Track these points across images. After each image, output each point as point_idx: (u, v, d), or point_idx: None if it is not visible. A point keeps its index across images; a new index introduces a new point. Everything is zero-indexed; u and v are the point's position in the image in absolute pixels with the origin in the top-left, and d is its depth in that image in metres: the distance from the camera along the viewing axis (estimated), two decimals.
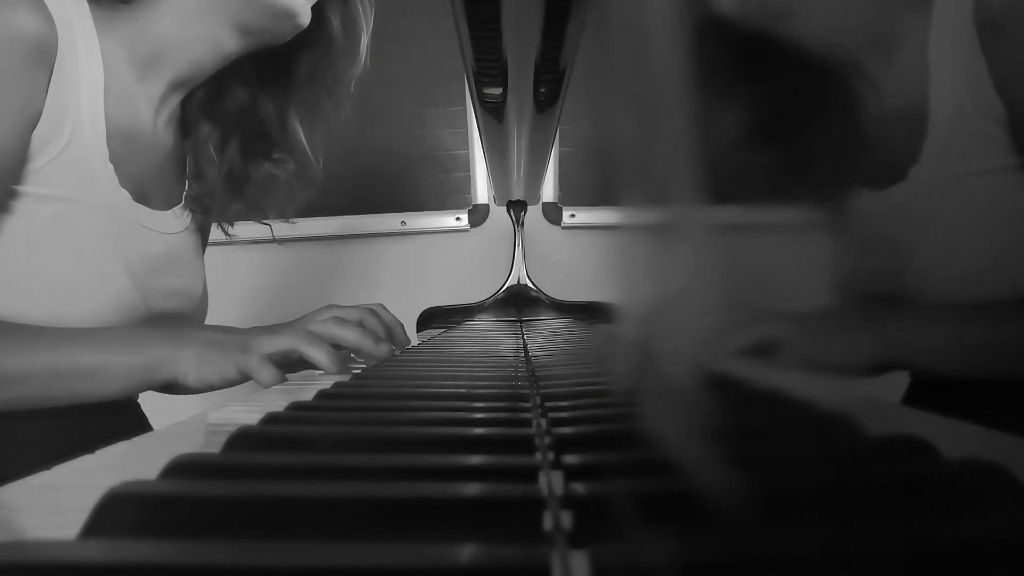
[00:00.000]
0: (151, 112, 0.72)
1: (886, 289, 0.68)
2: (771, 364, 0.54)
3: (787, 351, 0.56)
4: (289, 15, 0.70)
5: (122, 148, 0.67)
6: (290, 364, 0.61)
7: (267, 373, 0.57)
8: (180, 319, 0.76)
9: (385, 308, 0.76)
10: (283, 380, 0.57)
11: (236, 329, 0.64)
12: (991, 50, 0.56)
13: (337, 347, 0.63)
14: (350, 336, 0.63)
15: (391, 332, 0.74)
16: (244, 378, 0.58)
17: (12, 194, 0.59)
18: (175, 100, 0.75)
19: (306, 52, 0.81)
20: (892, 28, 0.64)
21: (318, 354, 0.59)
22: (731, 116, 0.72)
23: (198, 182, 0.78)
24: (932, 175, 0.62)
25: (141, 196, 0.70)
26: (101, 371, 0.58)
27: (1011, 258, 0.58)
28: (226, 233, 0.87)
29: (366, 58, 0.85)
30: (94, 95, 0.64)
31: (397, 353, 0.72)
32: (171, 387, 0.62)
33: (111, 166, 0.66)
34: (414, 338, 0.81)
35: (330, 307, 0.72)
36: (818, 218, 0.78)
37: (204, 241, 0.88)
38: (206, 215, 0.80)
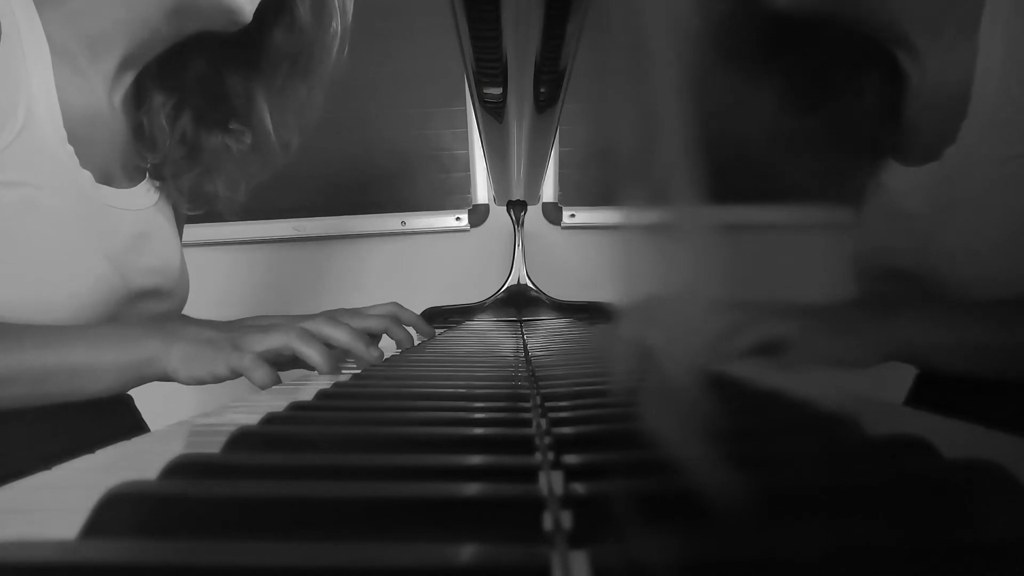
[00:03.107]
0: (106, 92, 0.72)
1: (906, 266, 0.68)
2: (776, 363, 0.53)
3: (792, 351, 0.55)
4: (226, 9, 0.69)
5: (80, 130, 0.66)
6: (282, 363, 0.60)
7: (261, 373, 0.56)
8: (161, 295, 0.76)
9: (401, 306, 0.77)
10: (278, 380, 0.57)
11: (227, 324, 0.64)
12: None
13: (329, 347, 0.62)
14: (341, 337, 0.62)
15: (416, 329, 0.77)
16: (235, 376, 0.58)
17: None
18: (129, 77, 0.74)
19: (276, 33, 0.80)
20: (945, 4, 0.63)
21: (311, 352, 0.58)
22: (766, 87, 0.72)
23: (151, 151, 0.78)
24: (968, 156, 0.61)
25: (105, 177, 0.70)
26: (90, 369, 0.57)
27: None
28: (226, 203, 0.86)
29: (344, 50, 0.85)
30: (44, 78, 0.63)
31: (397, 353, 0.73)
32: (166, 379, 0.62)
33: (71, 148, 0.65)
34: (414, 338, 0.82)
35: (356, 309, 0.73)
36: (847, 189, 0.77)
37: (181, 217, 0.87)
38: (162, 184, 0.79)
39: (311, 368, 0.60)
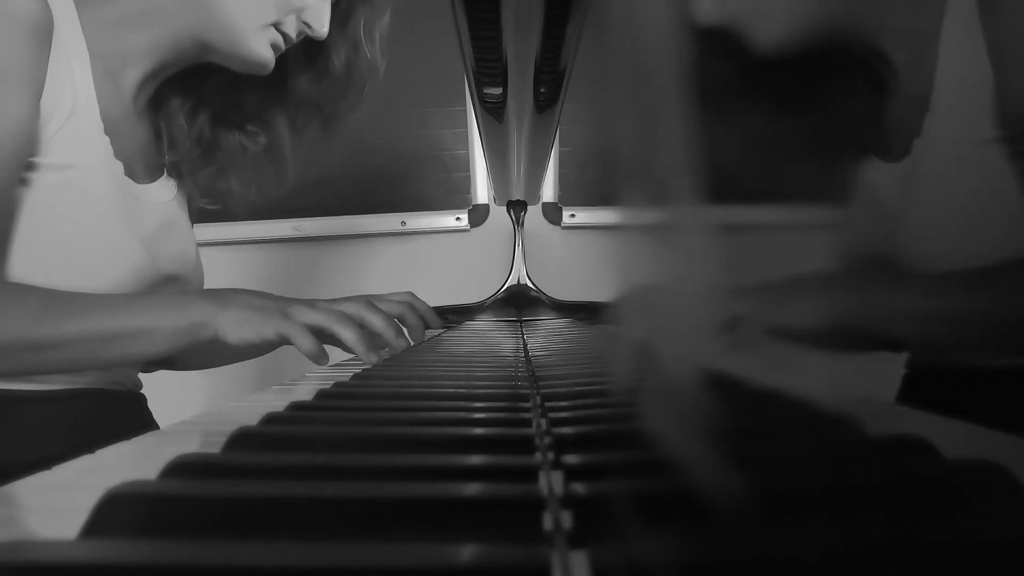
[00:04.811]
0: (131, 97, 0.75)
1: (879, 250, 0.72)
2: (734, 340, 0.55)
3: (749, 324, 0.57)
4: (251, 64, 0.74)
5: (110, 125, 0.71)
6: (323, 338, 0.64)
7: (308, 341, 0.60)
8: (181, 282, 0.80)
9: (415, 296, 0.81)
10: (323, 351, 0.61)
11: (274, 296, 0.68)
12: (984, 20, 0.59)
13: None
14: (377, 322, 0.66)
15: (426, 320, 0.81)
16: (282, 341, 0.62)
17: (31, 166, 0.64)
18: (151, 88, 0.78)
19: (303, 76, 0.84)
20: (913, 18, 0.68)
21: (348, 334, 0.62)
22: (755, 99, 0.74)
23: (172, 150, 0.82)
24: (931, 145, 0.65)
25: (128, 171, 0.74)
26: (150, 332, 0.61)
27: (982, 230, 0.61)
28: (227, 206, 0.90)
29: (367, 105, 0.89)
30: (83, 72, 0.68)
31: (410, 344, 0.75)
32: (215, 344, 0.64)
33: (107, 138, 0.70)
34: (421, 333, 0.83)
35: (373, 296, 0.75)
36: (833, 188, 0.80)
37: (193, 212, 0.91)
38: (180, 179, 0.84)
39: (347, 350, 0.64)
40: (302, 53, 0.81)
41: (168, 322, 0.61)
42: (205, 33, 0.72)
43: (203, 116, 0.83)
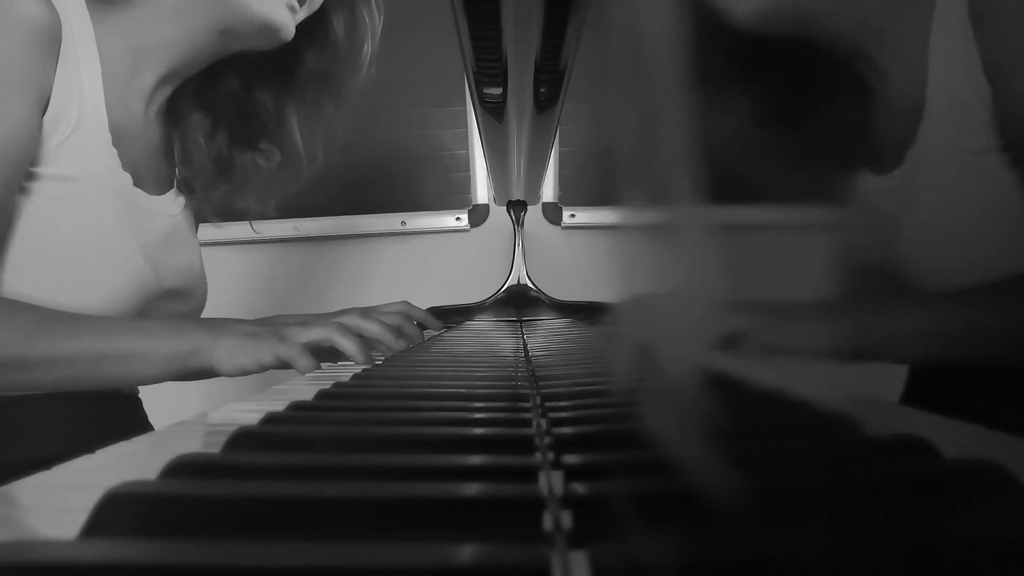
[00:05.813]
0: (142, 105, 0.75)
1: (874, 260, 0.72)
2: (737, 354, 0.55)
3: (751, 341, 0.57)
4: (271, 29, 0.74)
5: (119, 136, 0.70)
6: (320, 353, 0.64)
7: (305, 361, 0.61)
8: (184, 296, 0.80)
9: (411, 304, 0.82)
10: (318, 368, 0.61)
11: (268, 320, 0.70)
12: (978, 30, 0.59)
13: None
14: (374, 329, 0.68)
15: (424, 324, 0.83)
16: (280, 364, 0.62)
17: (31, 175, 0.63)
18: (166, 92, 0.78)
19: (308, 52, 0.84)
20: (899, 23, 0.67)
21: (349, 344, 0.63)
22: (746, 106, 0.74)
23: (185, 166, 0.82)
24: (925, 155, 0.65)
25: (137, 182, 0.74)
26: (142, 356, 0.61)
27: (983, 238, 0.61)
28: (214, 221, 0.91)
29: (371, 66, 0.89)
30: (94, 83, 0.68)
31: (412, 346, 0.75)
32: (206, 373, 0.65)
33: (115, 150, 0.69)
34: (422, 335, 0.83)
35: (367, 308, 0.77)
36: (825, 199, 0.80)
37: (196, 221, 0.91)
38: (191, 195, 0.84)
39: (348, 359, 0.64)
40: (303, 32, 0.81)
41: (161, 348, 0.61)
42: (220, 16, 0.71)
43: (222, 134, 0.83)
